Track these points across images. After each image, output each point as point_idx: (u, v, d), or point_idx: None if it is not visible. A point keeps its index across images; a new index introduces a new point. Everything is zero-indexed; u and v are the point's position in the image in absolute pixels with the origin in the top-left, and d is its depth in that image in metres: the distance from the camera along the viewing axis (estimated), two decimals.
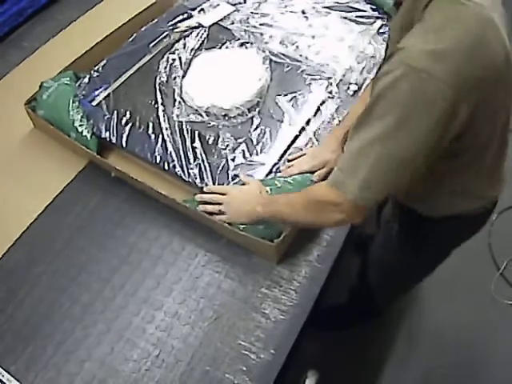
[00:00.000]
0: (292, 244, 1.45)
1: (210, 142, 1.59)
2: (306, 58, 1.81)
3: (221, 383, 1.25)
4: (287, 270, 1.42)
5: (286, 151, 1.56)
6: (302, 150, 1.57)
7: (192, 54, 1.84)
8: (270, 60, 1.79)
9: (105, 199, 1.61)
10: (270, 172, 1.52)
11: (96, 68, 1.83)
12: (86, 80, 1.79)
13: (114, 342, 1.33)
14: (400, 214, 1.53)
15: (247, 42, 1.87)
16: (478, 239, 2.53)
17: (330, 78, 1.74)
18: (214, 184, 1.49)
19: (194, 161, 1.54)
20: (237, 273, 1.43)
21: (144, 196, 1.58)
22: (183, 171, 1.53)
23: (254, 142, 1.58)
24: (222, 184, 1.49)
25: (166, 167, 1.55)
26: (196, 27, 1.95)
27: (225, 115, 1.65)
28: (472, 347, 2.27)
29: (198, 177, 1.51)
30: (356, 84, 1.73)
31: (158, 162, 1.56)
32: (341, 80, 1.74)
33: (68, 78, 1.77)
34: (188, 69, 1.80)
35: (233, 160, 1.54)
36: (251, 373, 1.25)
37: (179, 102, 1.69)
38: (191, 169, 1.53)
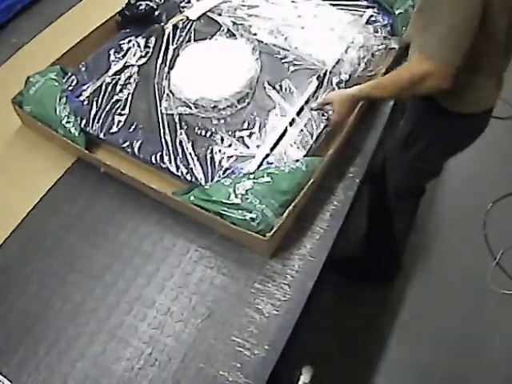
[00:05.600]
0: (284, 238, 1.44)
1: (199, 134, 1.57)
2: (296, 48, 1.79)
3: (215, 380, 1.24)
4: (280, 264, 1.41)
5: (277, 143, 1.54)
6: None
7: (180, 46, 1.82)
8: (260, 51, 1.77)
9: (94, 196, 1.60)
10: (261, 164, 1.50)
11: (83, 63, 1.81)
12: (74, 75, 1.77)
13: (107, 342, 1.31)
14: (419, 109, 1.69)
15: (235, 34, 1.85)
16: (473, 229, 2.56)
17: (320, 68, 1.72)
18: (204, 178, 1.48)
19: (183, 154, 1.52)
20: (229, 268, 1.41)
21: (134, 192, 1.56)
22: (172, 165, 1.51)
23: (245, 134, 1.55)
24: (213, 177, 1.47)
25: (155, 161, 1.53)
26: (184, 21, 1.93)
27: (214, 107, 1.62)
28: (469, 337, 2.27)
29: (187, 170, 1.49)
30: (346, 74, 1.71)
31: (146, 156, 1.55)
32: (331, 71, 1.72)
33: (55, 73, 1.74)
34: (176, 61, 1.78)
35: (223, 153, 1.52)
36: (245, 369, 1.24)
37: (167, 95, 1.67)
38: (180, 162, 1.51)
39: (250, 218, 1.36)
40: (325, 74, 1.70)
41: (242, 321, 1.32)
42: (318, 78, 1.69)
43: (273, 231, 1.35)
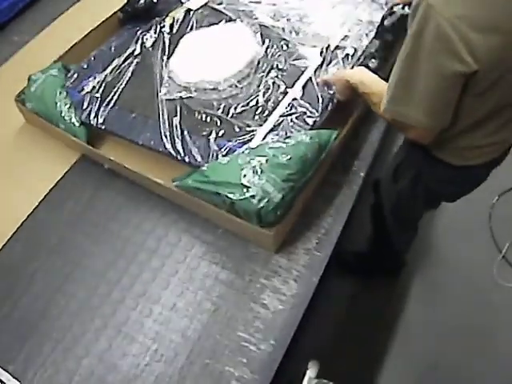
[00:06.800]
0: (290, 233, 1.43)
1: (200, 116, 1.55)
2: (299, 28, 1.76)
3: (221, 376, 1.23)
4: (285, 259, 1.40)
5: (280, 120, 1.50)
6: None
7: (181, 36, 1.81)
8: (261, 33, 1.74)
9: (98, 192, 1.60)
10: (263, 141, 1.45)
11: (86, 60, 1.81)
12: (75, 71, 1.77)
13: (112, 338, 1.31)
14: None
15: (236, 20, 1.83)
16: (478, 223, 2.55)
17: (324, 45, 1.68)
18: (204, 159, 1.44)
19: (182, 137, 1.50)
20: (234, 263, 1.41)
21: (138, 187, 1.56)
22: (172, 149, 1.48)
23: (246, 113, 1.53)
24: (214, 159, 1.44)
25: (155, 146, 1.51)
26: (185, 12, 1.92)
27: (214, 88, 1.60)
28: (475, 331, 2.26)
29: (187, 153, 1.47)
30: (353, 47, 1.67)
31: (146, 142, 1.53)
32: (336, 46, 1.68)
33: (56, 70, 1.75)
34: (176, 48, 1.76)
35: (224, 133, 1.49)
36: (251, 365, 1.24)
37: (167, 81, 1.65)
38: (180, 146, 1.49)
39: (250, 195, 1.30)
40: (327, 49, 1.67)
41: (248, 316, 1.31)
42: (321, 53, 1.66)
43: (278, 226, 1.33)
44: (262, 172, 1.32)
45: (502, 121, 1.33)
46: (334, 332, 2.19)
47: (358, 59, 1.63)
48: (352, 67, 1.60)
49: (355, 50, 1.66)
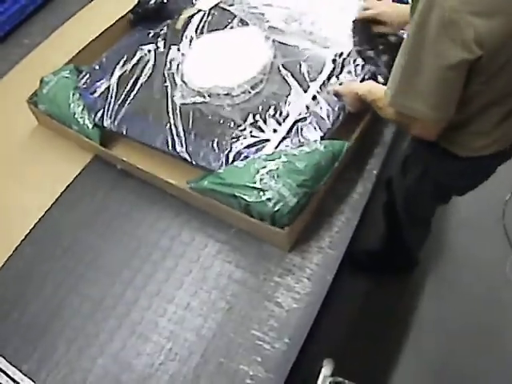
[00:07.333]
0: (303, 231, 1.43)
1: (213, 121, 1.55)
2: (311, 33, 1.75)
3: (235, 375, 1.23)
4: (299, 257, 1.40)
5: (292, 127, 1.50)
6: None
7: (193, 38, 1.81)
8: (273, 38, 1.74)
9: (111, 193, 1.60)
10: (277, 148, 1.46)
11: (97, 61, 1.81)
12: (87, 73, 1.77)
13: (127, 337, 1.31)
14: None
15: (248, 23, 1.82)
16: (492, 220, 2.53)
17: (336, 52, 1.67)
18: (217, 164, 1.45)
19: (196, 141, 1.51)
20: (248, 262, 1.40)
21: (151, 187, 1.57)
22: (185, 153, 1.49)
23: (259, 119, 1.53)
24: (227, 163, 1.45)
25: (168, 150, 1.52)
26: (196, 13, 1.91)
27: (227, 94, 1.60)
28: (484, 329, 2.24)
29: (201, 157, 1.48)
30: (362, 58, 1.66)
31: (159, 145, 1.53)
32: (349, 53, 1.67)
33: (68, 72, 1.76)
34: (189, 51, 1.76)
35: (237, 139, 1.49)
36: (266, 363, 1.23)
37: (181, 85, 1.66)
38: (194, 150, 1.49)
39: (267, 198, 1.31)
40: (340, 56, 1.66)
41: (262, 315, 1.31)
42: (334, 61, 1.65)
43: (292, 224, 1.33)
44: (278, 176, 1.34)
45: (508, 107, 1.32)
46: (348, 330, 2.19)
47: (369, 69, 1.63)
48: (363, 78, 1.60)
49: (364, 60, 1.66)
